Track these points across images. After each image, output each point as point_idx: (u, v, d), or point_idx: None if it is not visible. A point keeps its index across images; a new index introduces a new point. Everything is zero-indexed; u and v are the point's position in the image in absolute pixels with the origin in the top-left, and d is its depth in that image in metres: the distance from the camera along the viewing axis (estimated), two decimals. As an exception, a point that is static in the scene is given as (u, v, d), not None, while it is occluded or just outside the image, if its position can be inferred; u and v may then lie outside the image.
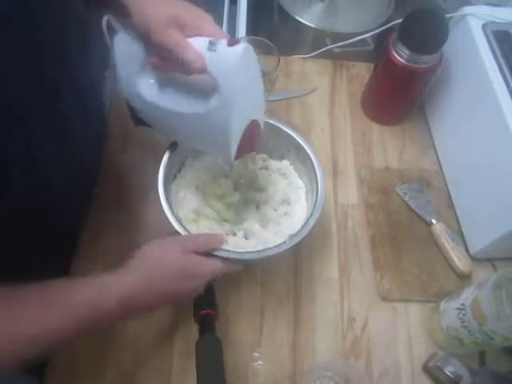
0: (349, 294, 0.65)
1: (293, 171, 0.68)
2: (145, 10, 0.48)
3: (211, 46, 0.47)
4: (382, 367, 0.61)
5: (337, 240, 0.70)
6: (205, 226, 0.62)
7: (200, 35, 0.48)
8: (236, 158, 0.55)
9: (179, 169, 0.66)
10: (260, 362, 0.59)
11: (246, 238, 0.63)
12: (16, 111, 0.43)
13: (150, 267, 0.49)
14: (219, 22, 1.06)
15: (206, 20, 0.49)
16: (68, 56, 0.51)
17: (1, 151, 0.43)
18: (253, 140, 0.57)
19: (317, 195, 0.60)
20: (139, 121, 0.58)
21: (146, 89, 0.52)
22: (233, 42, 0.47)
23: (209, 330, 0.53)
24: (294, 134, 0.65)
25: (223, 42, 0.47)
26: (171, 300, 0.53)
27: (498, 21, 0.70)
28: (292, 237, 0.57)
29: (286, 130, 0.65)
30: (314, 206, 0.59)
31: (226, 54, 0.46)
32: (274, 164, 0.69)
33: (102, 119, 0.72)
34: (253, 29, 0.96)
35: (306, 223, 0.57)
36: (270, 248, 0.56)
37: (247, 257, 0.55)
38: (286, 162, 0.68)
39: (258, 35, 0.71)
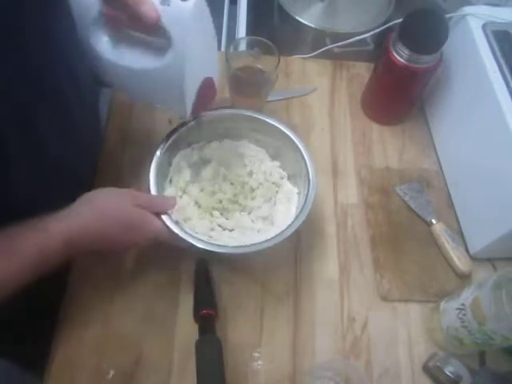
0: (349, 294, 0.65)
1: (296, 199, 0.66)
2: None
3: (165, 0, 0.47)
4: (382, 367, 0.61)
5: (337, 240, 0.70)
6: (183, 203, 0.64)
7: None
8: (193, 115, 0.57)
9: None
10: (260, 362, 0.59)
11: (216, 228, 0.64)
12: (18, 111, 0.43)
13: (95, 210, 0.51)
14: (219, 21, 1.06)
15: None
16: (69, 57, 0.51)
17: (1, 151, 0.43)
18: (208, 97, 0.58)
19: (305, 200, 0.60)
20: (100, 82, 0.58)
21: (101, 45, 0.53)
22: None
23: (209, 329, 0.53)
24: (292, 136, 0.65)
25: None
26: (109, 246, 0.53)
27: (498, 21, 0.70)
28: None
29: (285, 130, 0.65)
30: (302, 210, 0.58)
31: (178, 8, 0.47)
32: (287, 186, 0.68)
33: (99, 120, 0.72)
34: (253, 29, 0.96)
35: (290, 225, 0.57)
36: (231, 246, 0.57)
37: (202, 246, 0.55)
38: (295, 190, 0.67)
39: (258, 35, 0.71)
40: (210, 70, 0.57)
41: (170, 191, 0.64)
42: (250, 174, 0.68)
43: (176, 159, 0.65)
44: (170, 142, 0.62)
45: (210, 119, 0.64)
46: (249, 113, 0.66)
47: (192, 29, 0.49)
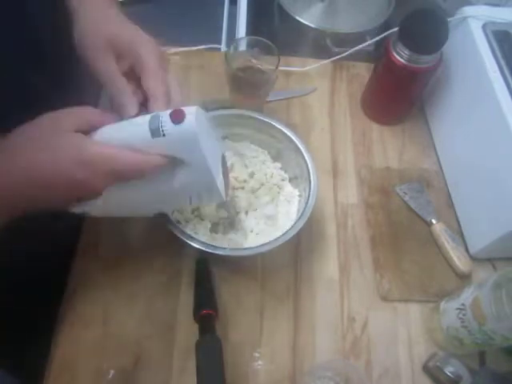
0: (349, 294, 0.65)
1: (296, 202, 0.66)
2: (90, 25, 0.43)
3: (155, 132, 0.41)
4: (382, 367, 0.61)
5: (337, 240, 0.70)
6: None
7: (138, 64, 0.43)
8: (227, 195, 0.53)
9: None
10: (260, 362, 0.59)
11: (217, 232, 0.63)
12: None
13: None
14: (219, 22, 1.06)
15: (142, 44, 0.43)
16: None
17: None
18: (228, 169, 0.56)
19: (306, 204, 0.59)
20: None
21: None
22: (178, 116, 0.41)
23: (209, 329, 0.53)
24: (294, 138, 0.64)
25: (165, 120, 0.41)
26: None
27: (498, 21, 0.70)
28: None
29: (285, 131, 0.65)
30: (302, 214, 0.58)
31: (178, 135, 0.41)
32: (288, 188, 0.68)
33: None
34: (253, 29, 0.96)
35: (291, 228, 0.57)
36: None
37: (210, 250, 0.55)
38: (296, 192, 0.67)
39: (258, 35, 0.71)
40: (219, 148, 0.52)
41: None
42: (252, 175, 0.68)
43: None
44: None
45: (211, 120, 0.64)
46: (250, 113, 0.66)
47: (202, 141, 0.42)
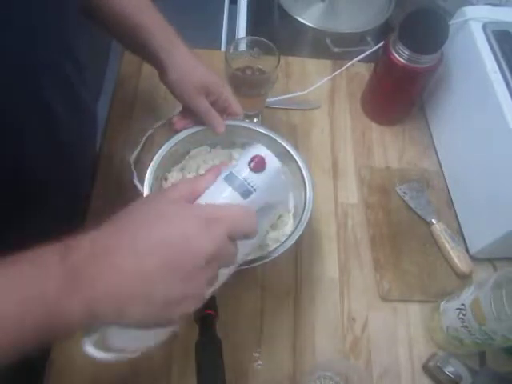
0: (349, 294, 0.65)
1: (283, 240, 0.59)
2: (183, 75, 0.57)
3: (245, 193, 0.40)
4: (381, 367, 0.61)
5: (337, 240, 0.70)
6: None
7: (219, 100, 0.58)
8: None
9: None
10: (260, 362, 0.59)
11: None
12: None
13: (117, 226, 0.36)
14: (219, 22, 1.06)
15: (224, 87, 0.59)
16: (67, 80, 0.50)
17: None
18: None
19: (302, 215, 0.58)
20: None
21: None
22: (259, 165, 0.41)
23: (209, 330, 0.53)
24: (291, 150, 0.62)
25: (248, 176, 0.40)
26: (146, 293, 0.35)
27: (499, 21, 0.70)
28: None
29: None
30: (299, 222, 0.57)
31: (267, 182, 0.41)
32: (288, 220, 0.64)
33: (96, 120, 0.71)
34: (253, 29, 0.97)
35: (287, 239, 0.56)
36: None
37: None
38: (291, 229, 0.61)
39: (258, 35, 0.71)
40: None
41: (175, 175, 0.62)
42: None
43: (193, 152, 0.64)
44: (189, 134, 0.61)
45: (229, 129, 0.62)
46: (279, 139, 0.63)
47: (280, 180, 0.44)
